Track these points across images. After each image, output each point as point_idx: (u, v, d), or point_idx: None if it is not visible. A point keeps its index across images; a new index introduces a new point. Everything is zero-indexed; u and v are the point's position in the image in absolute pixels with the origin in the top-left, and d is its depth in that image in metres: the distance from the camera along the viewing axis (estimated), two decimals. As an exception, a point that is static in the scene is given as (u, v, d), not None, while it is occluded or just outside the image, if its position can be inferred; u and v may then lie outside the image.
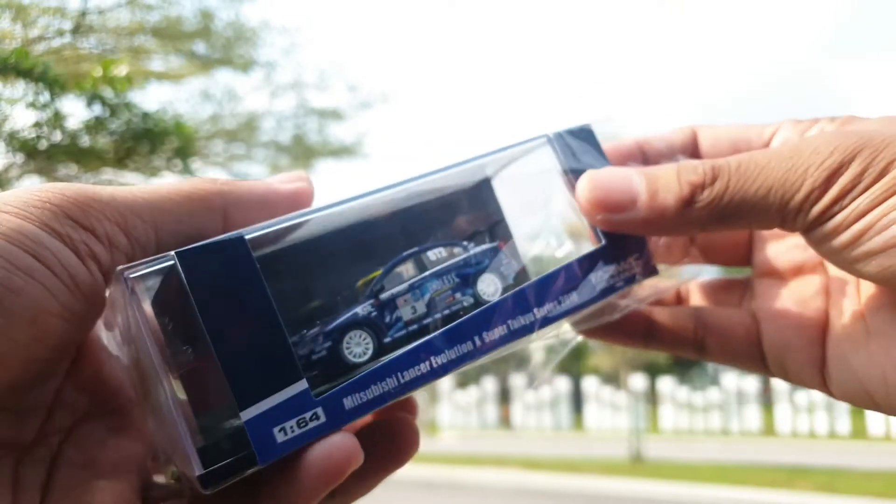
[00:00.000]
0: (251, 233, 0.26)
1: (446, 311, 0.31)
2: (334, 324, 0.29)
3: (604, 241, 0.34)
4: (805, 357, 0.32)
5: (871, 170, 0.26)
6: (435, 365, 0.28)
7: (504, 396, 16.68)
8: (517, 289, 0.31)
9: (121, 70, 2.90)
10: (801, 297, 0.33)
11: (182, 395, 0.24)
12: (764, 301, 0.34)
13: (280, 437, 0.24)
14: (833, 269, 0.32)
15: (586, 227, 0.34)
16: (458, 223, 0.34)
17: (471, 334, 0.29)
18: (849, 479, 6.52)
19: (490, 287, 0.32)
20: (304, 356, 0.28)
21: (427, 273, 0.31)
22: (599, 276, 0.33)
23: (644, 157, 0.35)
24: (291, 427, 0.25)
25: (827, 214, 0.27)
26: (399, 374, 0.27)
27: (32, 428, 0.24)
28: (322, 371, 0.28)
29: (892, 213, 0.26)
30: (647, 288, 0.35)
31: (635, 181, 0.29)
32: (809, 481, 6.40)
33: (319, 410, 0.25)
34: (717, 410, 14.56)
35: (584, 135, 0.34)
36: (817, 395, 13.74)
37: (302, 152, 12.11)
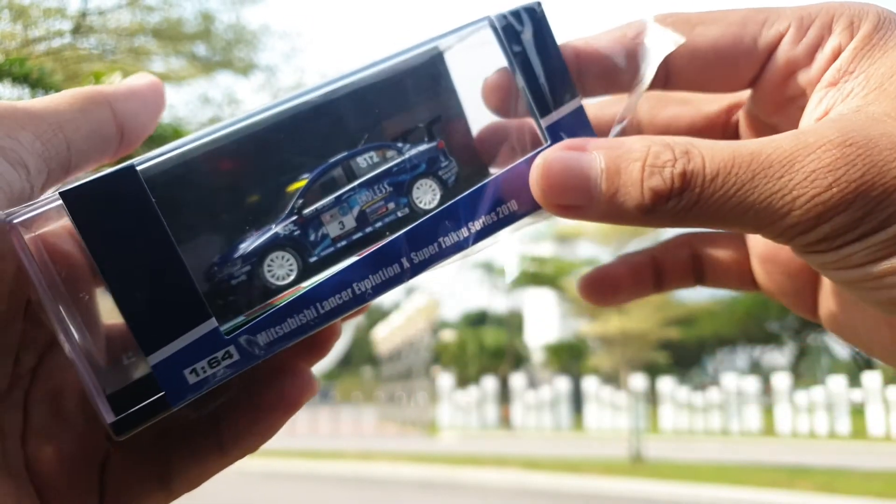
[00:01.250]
0: (145, 162, 0.24)
1: (378, 224, 0.28)
2: (253, 246, 0.27)
3: (550, 141, 0.29)
4: (796, 301, 0.33)
5: (871, 218, 0.22)
6: (358, 291, 0.26)
7: (504, 396, 16.68)
8: (448, 204, 0.28)
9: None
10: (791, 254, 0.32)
11: (86, 344, 0.23)
12: (754, 240, 0.34)
13: (192, 379, 0.23)
14: None
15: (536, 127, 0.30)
16: (400, 117, 0.31)
17: (397, 256, 0.27)
18: (849, 479, 6.52)
19: (427, 195, 0.29)
20: (224, 282, 0.27)
21: (355, 183, 0.29)
22: None
23: (589, 71, 0.30)
24: (203, 368, 0.24)
25: (811, 248, 0.24)
26: (318, 304, 0.26)
27: (6, 374, 0.24)
28: (244, 296, 0.26)
29: (887, 279, 0.23)
30: None
31: (593, 176, 0.25)
32: (809, 481, 6.40)
33: (232, 349, 0.24)
34: (717, 410, 14.57)
35: (533, 16, 0.29)
36: (817, 395, 13.74)
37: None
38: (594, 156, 0.25)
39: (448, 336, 26.37)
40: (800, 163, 0.22)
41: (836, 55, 0.26)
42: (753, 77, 0.29)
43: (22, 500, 0.24)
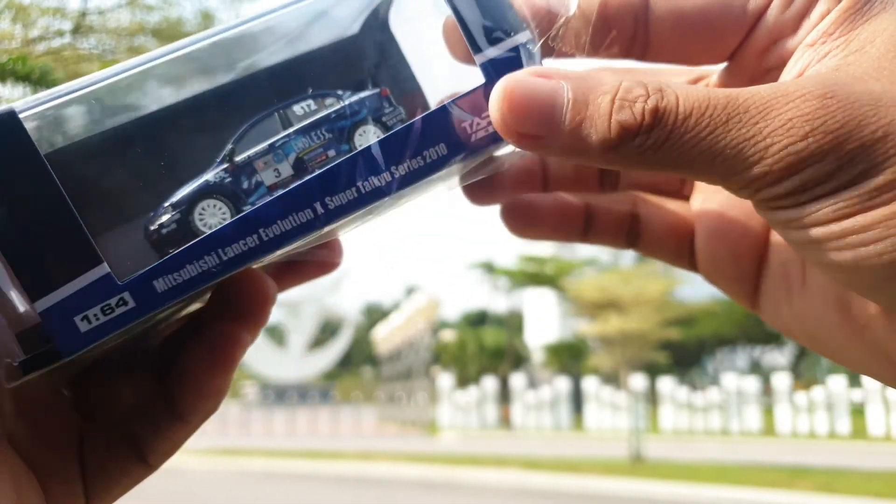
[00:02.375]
0: (25, 107, 0.23)
1: (317, 172, 0.25)
2: (182, 194, 0.26)
3: (485, 81, 0.26)
4: (737, 287, 0.30)
5: (843, 173, 0.21)
6: (265, 237, 0.24)
7: (504, 396, 16.68)
8: (367, 145, 0.26)
9: None
10: (745, 224, 0.29)
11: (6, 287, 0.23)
12: (705, 216, 0.31)
13: (84, 327, 0.23)
14: None
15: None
16: (338, 71, 0.29)
17: (310, 200, 0.25)
18: (849, 479, 6.52)
19: (371, 139, 0.27)
20: (155, 232, 0.26)
21: (290, 130, 0.27)
22: (478, 123, 0.26)
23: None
24: (96, 315, 0.23)
25: (777, 203, 0.23)
26: (220, 250, 0.24)
27: None
28: (174, 247, 0.25)
29: (850, 238, 0.22)
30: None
31: (558, 104, 0.23)
32: (809, 481, 6.40)
33: (126, 295, 0.23)
34: (717, 410, 14.57)
35: None
36: (817, 395, 13.75)
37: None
38: (561, 84, 0.23)
39: (448, 336, 26.36)
40: (777, 110, 0.22)
41: (821, 20, 0.25)
42: (735, 47, 0.27)
43: (18, 477, 0.24)
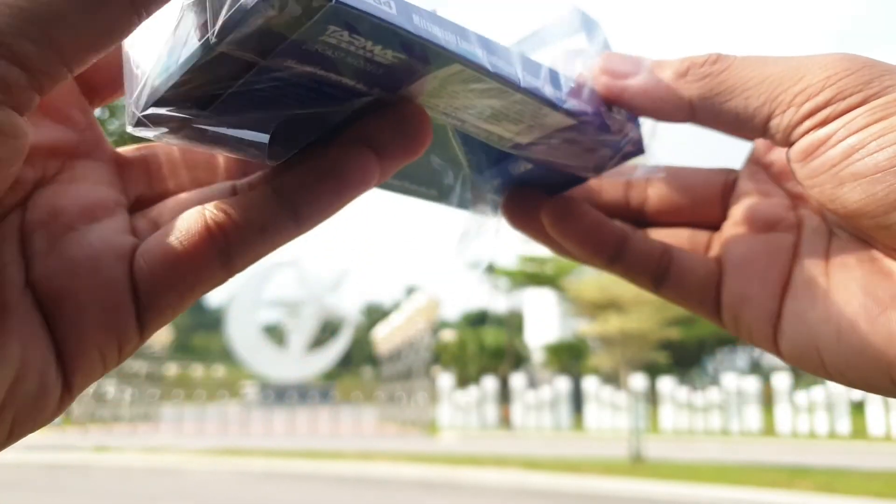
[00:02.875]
0: None
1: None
2: None
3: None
4: (761, 310, 0.31)
5: (870, 86, 0.25)
6: (448, 41, 0.23)
7: (504, 396, 16.69)
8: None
9: None
10: (770, 249, 0.31)
11: None
12: (731, 249, 0.32)
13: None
14: (806, 230, 0.31)
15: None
16: None
17: (477, 44, 0.24)
18: (849, 479, 6.53)
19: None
20: None
21: None
22: (584, 104, 0.28)
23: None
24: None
25: (809, 126, 0.26)
26: (427, 23, 0.22)
27: None
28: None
29: (882, 138, 0.24)
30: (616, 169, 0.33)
31: (644, 60, 0.29)
32: (809, 481, 6.40)
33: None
34: (717, 410, 14.58)
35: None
36: (817, 395, 13.76)
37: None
38: (645, 60, 0.30)
39: (448, 336, 26.38)
40: (806, 64, 0.26)
41: None
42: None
43: (28, 344, 0.20)
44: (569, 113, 0.27)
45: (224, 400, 20.78)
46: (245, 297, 23.84)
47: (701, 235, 0.34)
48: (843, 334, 0.27)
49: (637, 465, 7.99)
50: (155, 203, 0.26)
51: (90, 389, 15.99)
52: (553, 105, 0.26)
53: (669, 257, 0.33)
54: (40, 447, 10.18)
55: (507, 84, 0.25)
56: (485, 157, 0.31)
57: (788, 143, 0.27)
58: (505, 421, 16.08)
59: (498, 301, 26.02)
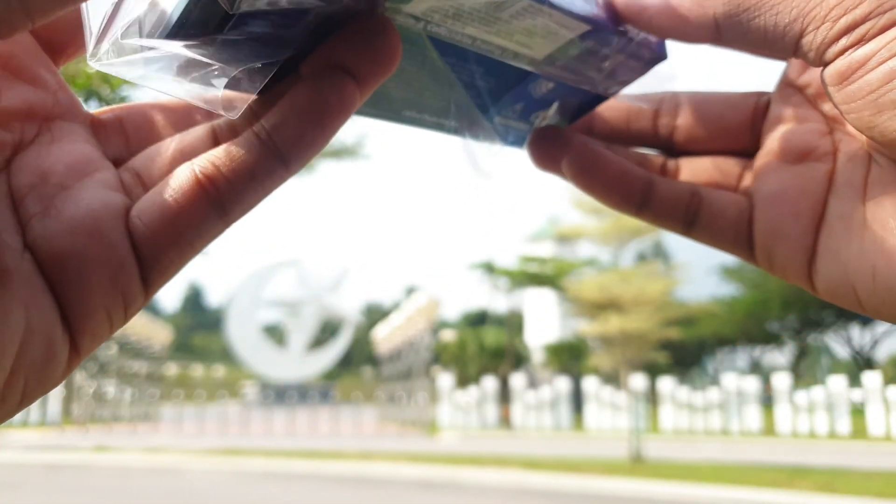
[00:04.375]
0: None
1: None
2: None
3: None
4: (795, 246, 0.29)
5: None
6: None
7: (504, 396, 16.69)
8: None
9: None
10: (803, 182, 0.29)
11: None
12: (763, 183, 0.31)
13: None
14: (842, 158, 0.29)
15: None
16: None
17: None
18: (849, 479, 6.53)
19: None
20: None
21: None
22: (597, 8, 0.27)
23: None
24: None
25: (845, 44, 0.23)
26: None
27: None
28: None
29: None
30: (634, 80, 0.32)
31: None
32: (809, 481, 6.40)
33: None
34: (717, 410, 14.58)
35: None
36: (817, 395, 13.76)
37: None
38: None
39: (448, 336, 26.37)
40: None
41: None
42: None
43: (32, 308, 0.20)
44: (583, 18, 0.26)
45: (224, 400, 20.77)
46: (245, 297, 23.84)
47: (732, 165, 0.33)
48: (879, 272, 0.26)
49: (637, 465, 7.99)
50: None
51: (90, 389, 15.89)
52: (562, 9, 0.25)
53: (699, 199, 0.31)
54: (40, 447, 10.18)
55: None
56: (503, 79, 0.29)
57: (823, 63, 0.25)
58: (505, 421, 16.08)
59: (498, 301, 26.04)
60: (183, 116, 0.26)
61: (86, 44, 0.22)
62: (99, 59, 0.21)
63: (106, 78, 2.83)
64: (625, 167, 0.32)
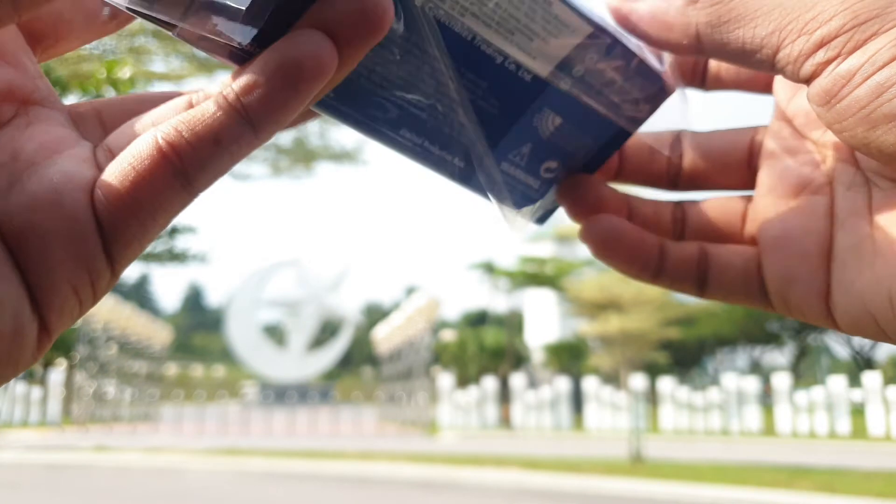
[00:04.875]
0: None
1: None
2: None
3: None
4: (808, 288, 0.29)
5: (888, 18, 0.22)
6: None
7: (504, 396, 16.69)
8: None
9: (125, 72, 2.91)
10: (805, 220, 0.29)
11: None
12: (766, 226, 0.31)
13: None
14: (840, 188, 0.28)
15: None
16: None
17: None
18: (849, 479, 6.53)
19: None
20: None
21: None
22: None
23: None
24: None
25: (824, 63, 0.24)
26: None
27: None
28: None
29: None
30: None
31: None
32: (809, 481, 6.40)
33: None
34: (717, 410, 14.58)
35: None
36: (817, 395, 13.75)
37: (302, 155, 12.18)
38: None
39: (448, 336, 26.37)
40: None
41: None
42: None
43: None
44: (584, 18, 0.26)
45: (224, 400, 20.78)
46: (245, 297, 23.84)
47: (735, 204, 0.33)
48: (895, 299, 0.26)
49: (637, 465, 7.99)
50: None
51: (90, 389, 15.85)
52: (565, 2, 0.25)
53: (706, 259, 0.32)
54: (40, 447, 10.18)
55: None
56: (507, 102, 0.28)
57: (800, 78, 0.25)
58: (505, 421, 16.08)
59: (498, 301, 26.01)
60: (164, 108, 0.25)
61: (63, 38, 0.22)
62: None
63: (114, 82, 2.84)
64: (641, 238, 0.32)
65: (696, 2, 0.26)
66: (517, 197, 0.30)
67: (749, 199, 0.33)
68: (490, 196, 0.29)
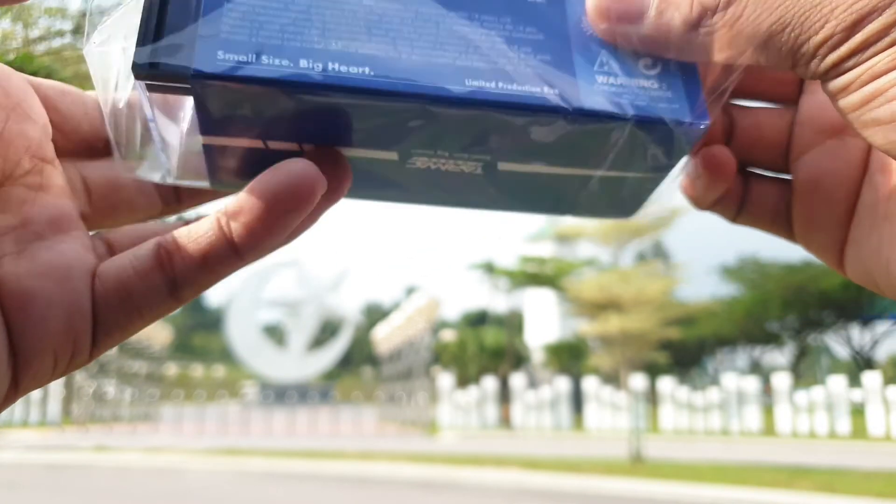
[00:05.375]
0: None
1: None
2: None
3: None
4: (829, 237, 0.31)
5: None
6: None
7: (504, 396, 16.69)
8: None
9: None
10: (839, 166, 0.30)
11: None
12: (801, 163, 0.31)
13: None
14: None
15: None
16: None
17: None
18: (849, 479, 6.52)
19: None
20: None
21: None
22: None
23: None
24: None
25: (842, 67, 0.23)
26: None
27: None
28: None
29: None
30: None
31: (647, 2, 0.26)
32: (809, 481, 6.40)
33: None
34: (717, 410, 14.58)
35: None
36: (817, 395, 13.75)
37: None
38: None
39: (448, 336, 26.38)
40: None
41: None
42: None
43: None
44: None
45: (224, 400, 20.78)
46: (245, 297, 23.84)
47: (777, 120, 0.33)
48: (891, 268, 0.27)
49: (637, 465, 7.99)
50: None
51: (90, 389, 15.87)
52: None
53: (747, 191, 0.33)
54: (40, 447, 10.18)
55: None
56: (548, 29, 0.26)
57: (819, 79, 0.25)
58: (505, 421, 16.08)
59: (498, 301, 26.01)
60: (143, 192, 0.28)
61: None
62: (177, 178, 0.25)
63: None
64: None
65: (698, 26, 0.25)
66: (643, 103, 0.26)
67: (792, 118, 0.33)
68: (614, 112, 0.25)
